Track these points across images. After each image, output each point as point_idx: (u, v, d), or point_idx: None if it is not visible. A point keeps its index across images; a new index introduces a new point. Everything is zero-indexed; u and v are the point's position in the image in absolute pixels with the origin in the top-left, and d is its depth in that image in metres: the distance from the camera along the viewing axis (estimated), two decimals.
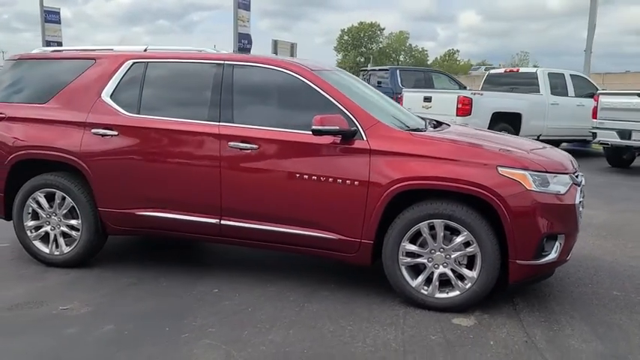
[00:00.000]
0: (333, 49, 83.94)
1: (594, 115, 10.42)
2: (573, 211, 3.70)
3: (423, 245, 3.71)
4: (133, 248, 4.99)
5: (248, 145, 3.89)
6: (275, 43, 25.03)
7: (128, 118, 4.15)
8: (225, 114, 4.00)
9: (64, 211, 4.33)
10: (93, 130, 4.18)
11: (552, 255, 3.64)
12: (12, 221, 4.49)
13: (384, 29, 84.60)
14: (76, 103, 4.30)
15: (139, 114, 4.16)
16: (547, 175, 3.60)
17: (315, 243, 3.90)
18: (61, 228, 4.37)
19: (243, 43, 21.64)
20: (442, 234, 3.64)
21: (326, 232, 3.83)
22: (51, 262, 4.40)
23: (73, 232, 4.34)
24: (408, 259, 3.74)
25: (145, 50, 4.44)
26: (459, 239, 3.61)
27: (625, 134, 9.86)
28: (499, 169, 3.55)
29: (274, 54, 20.63)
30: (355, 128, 3.74)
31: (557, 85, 11.87)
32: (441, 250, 3.66)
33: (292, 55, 24.02)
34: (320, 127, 3.65)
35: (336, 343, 3.25)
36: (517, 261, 3.55)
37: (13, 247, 4.92)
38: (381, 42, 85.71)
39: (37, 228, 4.43)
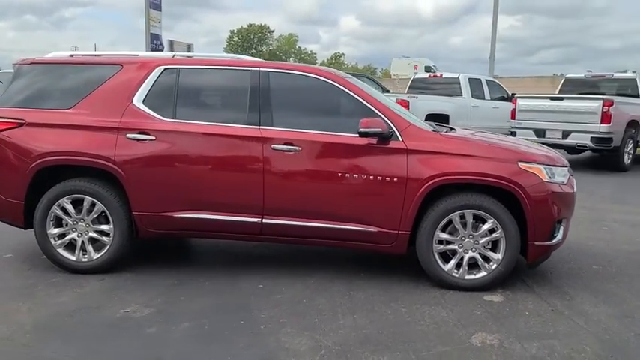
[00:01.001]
0: (223, 51, 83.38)
1: (513, 116, 11.61)
2: (573, 198, 4.37)
3: (452, 233, 4.19)
4: (145, 252, 5.00)
5: (291, 147, 4.15)
6: (171, 43, 24.58)
7: (166, 123, 4.24)
8: (265, 118, 4.22)
9: (94, 217, 4.31)
10: (128, 135, 4.21)
11: (559, 236, 4.27)
12: (34, 230, 4.37)
13: (273, 31, 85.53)
14: (106, 108, 4.30)
15: (175, 119, 4.26)
16: (553, 168, 4.23)
17: (355, 236, 4.24)
18: (90, 234, 4.33)
19: (156, 44, 21.15)
20: (471, 222, 4.14)
21: (366, 225, 4.19)
22: (78, 269, 4.34)
23: (104, 238, 4.33)
24: (441, 246, 4.20)
25: (174, 57, 4.53)
26: (485, 226, 4.13)
27: (540, 133, 11.12)
28: (519, 163, 4.12)
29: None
30: (391, 130, 4.14)
31: (476, 89, 13.03)
32: (470, 236, 4.16)
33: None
34: (367, 130, 4.02)
35: (401, 323, 3.63)
36: (535, 242, 4.14)
37: (19, 257, 4.79)
38: (271, 44, 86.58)
39: (62, 235, 4.35)
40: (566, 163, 4.47)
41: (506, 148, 4.30)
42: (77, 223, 4.33)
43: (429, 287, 4.24)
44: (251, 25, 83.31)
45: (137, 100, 4.29)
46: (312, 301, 3.95)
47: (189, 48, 25.08)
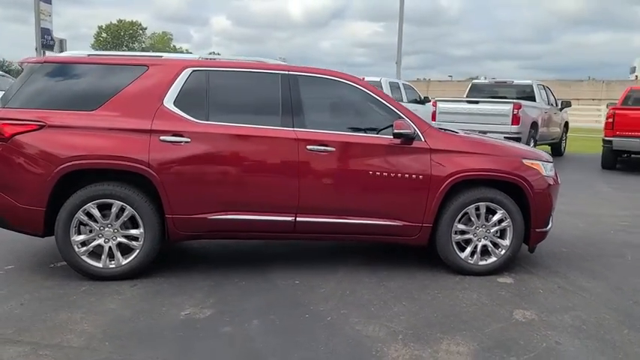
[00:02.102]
0: (91, 47, 78.96)
1: (433, 118, 12.51)
2: (559, 190, 5.01)
3: (467, 224, 4.63)
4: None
5: (326, 148, 4.35)
6: (60, 42, 23.08)
7: (201, 125, 4.23)
8: (297, 120, 4.37)
9: (122, 222, 4.19)
10: (161, 138, 4.15)
11: (550, 224, 4.89)
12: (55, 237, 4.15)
13: (145, 29, 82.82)
14: (135, 110, 4.20)
15: (208, 120, 4.27)
16: (546, 163, 4.84)
17: (382, 231, 4.54)
18: (118, 239, 4.21)
19: (47, 39, 19.71)
20: (484, 214, 4.62)
21: (393, 220, 4.51)
22: (104, 276, 4.19)
23: (134, 242, 4.22)
24: (459, 237, 4.63)
25: (199, 59, 4.51)
26: (496, 217, 4.62)
27: None
28: (523, 160, 4.67)
29: (50, 49, 19.13)
30: (415, 131, 4.49)
31: (395, 92, 13.82)
32: (483, 226, 4.64)
33: (62, 50, 22.31)
34: (401, 131, 4.34)
35: (446, 306, 3.99)
36: (536, 229, 4.71)
37: (24, 267, 4.51)
38: (143, 42, 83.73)
39: (87, 242, 4.18)
40: (551, 159, 5.11)
41: (511, 147, 4.84)
42: (103, 228, 4.18)
43: (446, 274, 4.65)
44: (121, 21, 79.82)
45: (168, 102, 4.24)
46: (356, 293, 4.18)
47: (62, 43, 23.51)
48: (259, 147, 4.33)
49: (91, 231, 4.18)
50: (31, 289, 4.03)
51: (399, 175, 4.45)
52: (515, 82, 13.93)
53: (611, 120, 11.81)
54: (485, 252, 4.70)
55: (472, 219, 4.61)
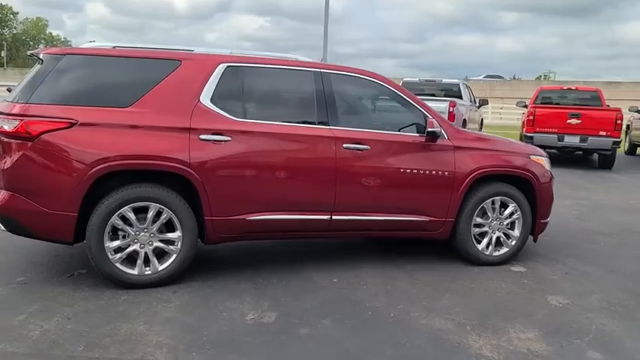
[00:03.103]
0: None
1: None
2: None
3: (482, 217, 4.89)
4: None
5: (361, 146, 4.39)
6: None
7: (242, 123, 4.10)
8: (333, 118, 4.37)
9: (159, 225, 3.97)
10: (201, 136, 3.98)
11: (550, 215, 5.29)
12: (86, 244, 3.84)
13: (17, 13, 77.08)
14: (171, 107, 3.98)
15: (245, 118, 4.15)
16: (547, 159, 5.22)
17: (409, 226, 4.67)
18: (155, 244, 3.98)
19: None
20: (498, 207, 4.90)
21: (420, 215, 4.65)
22: (138, 284, 3.95)
23: (171, 247, 4.01)
24: (477, 230, 4.88)
25: (231, 53, 4.35)
26: (508, 210, 4.92)
27: None
28: (531, 156, 5.01)
29: None
30: (440, 129, 4.66)
31: None
32: (497, 219, 4.92)
33: None
34: (433, 129, 4.48)
35: (486, 296, 4.20)
36: (541, 220, 5.08)
37: (36, 280, 4.11)
38: (15, 27, 77.97)
39: (121, 248, 3.91)
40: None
41: (518, 144, 5.17)
42: (139, 233, 3.93)
43: (464, 266, 4.87)
44: None
45: (204, 99, 4.06)
46: (397, 288, 4.28)
47: None
48: (298, 146, 4.28)
49: (124, 236, 3.92)
50: (66, 301, 3.70)
51: (427, 172, 4.60)
52: (444, 80, 14.65)
53: (532, 117, 12.80)
54: (497, 243, 4.99)
55: (488, 212, 4.87)
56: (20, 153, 3.68)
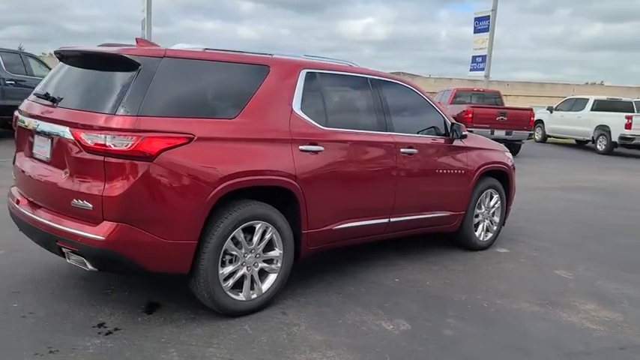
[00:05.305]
0: None
1: None
2: None
3: (479, 208, 5.57)
4: None
5: (412, 150, 4.65)
6: None
7: (329, 132, 4.01)
8: (389, 124, 4.54)
9: (264, 245, 3.71)
10: (301, 147, 3.81)
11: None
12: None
13: None
14: (271, 117, 3.72)
15: (327, 127, 4.07)
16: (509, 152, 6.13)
17: (436, 222, 5.11)
18: (260, 265, 3.71)
19: None
20: (489, 198, 5.63)
21: (445, 211, 5.13)
22: (246, 310, 3.65)
23: (272, 266, 3.78)
24: (476, 219, 5.54)
25: (304, 57, 4.16)
26: (493, 200, 5.70)
27: None
28: (505, 153, 5.85)
29: None
30: (466, 132, 5.18)
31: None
32: (487, 208, 5.66)
33: None
34: (465, 133, 4.96)
35: (502, 276, 4.89)
36: (509, 207, 5.98)
37: (79, 311, 3.50)
38: None
39: (230, 274, 3.56)
40: None
41: (495, 142, 5.94)
42: (247, 255, 3.62)
43: (453, 251, 5.52)
44: None
45: (296, 107, 3.86)
46: (449, 279, 4.71)
47: None
48: (373, 152, 4.36)
49: (231, 260, 3.57)
50: (170, 330, 3.26)
51: (452, 170, 5.09)
52: None
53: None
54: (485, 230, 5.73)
55: (482, 204, 5.57)
56: (135, 176, 3.08)
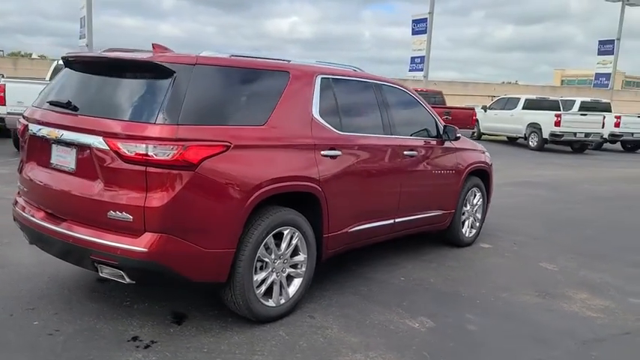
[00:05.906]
0: None
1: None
2: None
3: (466, 206, 5.82)
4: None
5: (413, 152, 4.81)
6: None
7: (345, 137, 4.08)
8: (393, 127, 4.66)
9: (292, 250, 3.73)
10: (322, 152, 3.85)
11: None
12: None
13: None
14: (295, 123, 3.75)
15: (343, 131, 4.13)
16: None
17: (431, 221, 5.29)
18: (287, 270, 3.73)
19: None
20: (473, 197, 5.89)
21: (440, 210, 5.33)
22: (275, 316, 3.66)
23: (297, 271, 3.81)
24: (463, 217, 5.78)
25: (315, 63, 4.19)
26: (477, 198, 5.96)
27: None
28: (485, 153, 6.13)
29: None
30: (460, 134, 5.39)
31: None
32: (472, 206, 5.91)
33: None
34: (458, 135, 5.16)
35: (505, 269, 5.15)
36: (489, 202, 6.28)
37: (109, 327, 3.43)
38: None
39: (262, 281, 3.56)
40: None
41: (475, 142, 6.20)
42: (276, 261, 3.63)
43: (442, 247, 5.75)
44: None
45: (315, 112, 3.90)
46: (449, 276, 4.89)
47: None
48: (383, 155, 4.46)
49: (261, 267, 3.56)
50: (208, 340, 3.25)
51: (446, 171, 5.29)
52: None
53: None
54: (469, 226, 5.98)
55: (467, 202, 5.82)
56: (178, 186, 3.02)
